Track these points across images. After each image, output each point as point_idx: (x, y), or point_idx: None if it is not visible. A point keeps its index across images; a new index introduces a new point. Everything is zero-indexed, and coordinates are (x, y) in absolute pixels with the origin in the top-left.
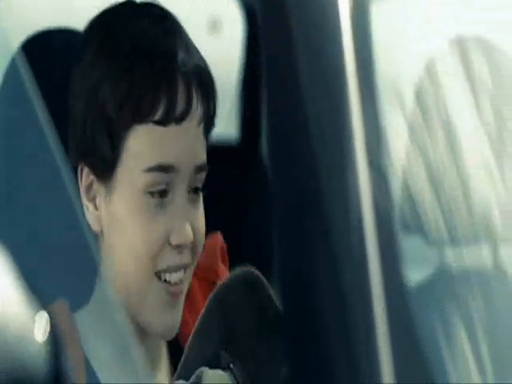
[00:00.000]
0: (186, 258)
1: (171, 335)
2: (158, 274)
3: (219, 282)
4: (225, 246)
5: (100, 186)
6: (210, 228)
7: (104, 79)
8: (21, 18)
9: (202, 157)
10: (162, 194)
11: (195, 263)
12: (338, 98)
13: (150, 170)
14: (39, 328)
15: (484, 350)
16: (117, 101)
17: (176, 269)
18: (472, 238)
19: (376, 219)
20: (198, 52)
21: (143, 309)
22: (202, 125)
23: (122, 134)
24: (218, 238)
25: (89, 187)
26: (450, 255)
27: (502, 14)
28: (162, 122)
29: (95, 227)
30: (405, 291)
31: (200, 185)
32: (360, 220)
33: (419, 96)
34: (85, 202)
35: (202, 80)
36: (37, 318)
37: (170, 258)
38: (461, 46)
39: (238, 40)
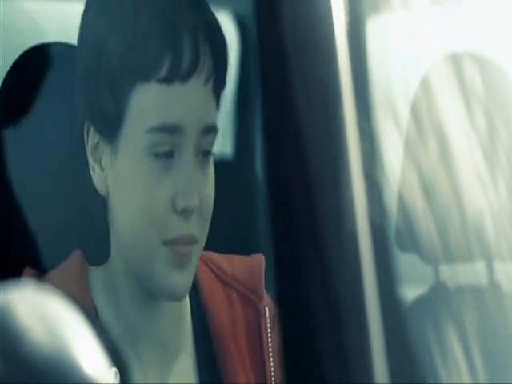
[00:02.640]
0: (193, 227)
1: (180, 296)
2: (165, 245)
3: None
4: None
5: (105, 145)
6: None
7: (109, 31)
8: (15, 35)
9: (210, 117)
10: (168, 155)
11: (204, 239)
12: (332, 111)
13: (154, 130)
14: (110, 380)
15: (479, 365)
16: (120, 53)
17: (184, 241)
18: (467, 254)
19: (371, 235)
20: (210, 10)
21: (151, 273)
22: (211, 83)
23: (125, 92)
24: (262, 259)
25: (95, 147)
26: (445, 272)
27: (495, 29)
28: (167, 79)
29: (102, 189)
30: (400, 308)
31: (210, 148)
32: (355, 236)
33: (413, 109)
34: (91, 162)
35: (212, 37)
36: (107, 373)
37: (177, 227)
38: (454, 60)
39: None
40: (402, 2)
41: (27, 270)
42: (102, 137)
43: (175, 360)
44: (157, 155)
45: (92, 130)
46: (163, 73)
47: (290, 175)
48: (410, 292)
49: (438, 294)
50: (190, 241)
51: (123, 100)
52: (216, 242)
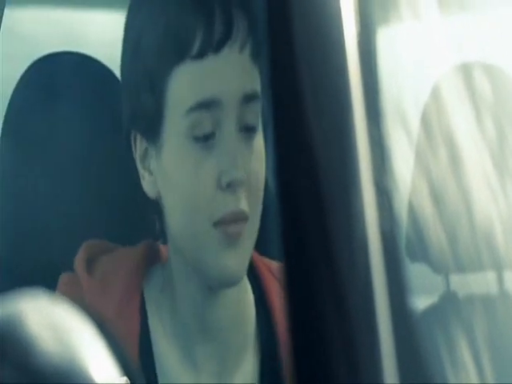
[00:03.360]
0: (242, 203)
1: (236, 280)
2: (215, 227)
3: None
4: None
5: (152, 149)
6: None
7: (144, 28)
8: (23, 45)
9: (250, 85)
10: (208, 136)
11: (257, 219)
12: (343, 121)
13: (192, 110)
14: None
15: (489, 374)
16: (156, 43)
17: (234, 218)
18: (477, 264)
19: (382, 245)
20: None
21: (204, 258)
22: (248, 48)
23: (163, 82)
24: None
25: (143, 155)
26: (456, 282)
27: (504, 38)
28: (200, 54)
29: (152, 193)
30: (411, 318)
31: (254, 121)
32: (365, 245)
33: (424, 118)
34: (141, 171)
35: (245, 3)
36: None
37: (225, 204)
38: (465, 69)
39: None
40: (412, 12)
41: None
42: (148, 141)
43: (236, 366)
44: (197, 138)
45: (139, 137)
46: (195, 48)
47: (300, 185)
48: (421, 302)
49: (449, 303)
50: (240, 217)
51: (161, 91)
52: None
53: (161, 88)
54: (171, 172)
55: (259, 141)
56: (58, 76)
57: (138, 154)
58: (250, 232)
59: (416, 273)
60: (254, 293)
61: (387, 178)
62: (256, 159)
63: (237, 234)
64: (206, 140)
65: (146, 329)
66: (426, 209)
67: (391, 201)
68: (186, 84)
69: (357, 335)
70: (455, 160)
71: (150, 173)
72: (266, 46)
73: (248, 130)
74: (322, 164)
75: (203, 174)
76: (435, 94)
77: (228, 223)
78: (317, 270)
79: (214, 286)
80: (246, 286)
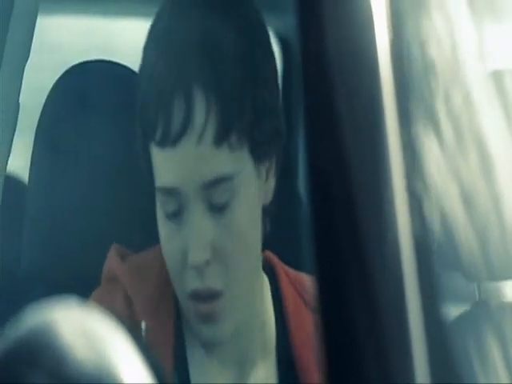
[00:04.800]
0: (210, 280)
1: (219, 344)
2: (189, 300)
3: None
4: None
5: None
6: None
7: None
8: (55, 54)
9: (211, 172)
10: (177, 213)
11: (238, 289)
12: (375, 124)
13: (158, 190)
14: None
15: None
16: (138, 111)
17: (202, 296)
18: (509, 272)
19: (414, 251)
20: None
21: (190, 321)
22: (207, 138)
23: (145, 152)
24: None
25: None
26: (488, 290)
27: None
28: (160, 144)
29: None
30: (443, 325)
31: (224, 199)
32: (398, 252)
33: (455, 122)
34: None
35: (211, 87)
36: None
37: (191, 281)
38: (496, 76)
39: None
40: (443, 16)
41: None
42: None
43: (253, 370)
44: (167, 214)
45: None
46: (157, 137)
47: (332, 190)
48: (453, 309)
49: (481, 311)
50: (208, 295)
51: (148, 157)
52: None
53: (146, 155)
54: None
55: (235, 213)
56: (90, 84)
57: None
58: (230, 305)
59: (448, 280)
60: (272, 299)
61: (419, 182)
62: (231, 234)
63: (209, 311)
64: (174, 216)
65: (180, 335)
66: (458, 214)
67: (422, 206)
68: (154, 165)
69: (389, 341)
70: (486, 165)
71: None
72: (298, 51)
73: (219, 208)
74: (353, 168)
75: (173, 249)
76: (467, 99)
77: (197, 300)
78: (349, 276)
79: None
80: (267, 292)
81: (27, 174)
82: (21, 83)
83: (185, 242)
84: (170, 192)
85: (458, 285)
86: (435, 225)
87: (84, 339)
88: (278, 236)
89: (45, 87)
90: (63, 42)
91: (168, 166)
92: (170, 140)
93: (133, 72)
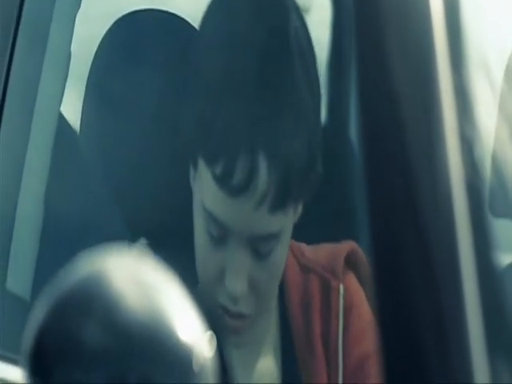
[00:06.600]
0: (242, 307)
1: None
2: (219, 306)
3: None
4: (359, 255)
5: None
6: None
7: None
8: (106, 3)
9: (260, 230)
10: (220, 240)
11: (261, 316)
12: (427, 69)
13: (207, 212)
14: (206, 345)
15: None
16: (193, 128)
17: (232, 315)
18: None
19: (466, 198)
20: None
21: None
22: (266, 204)
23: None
24: (349, 247)
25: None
26: None
27: None
28: (217, 181)
29: None
30: (495, 273)
31: (268, 248)
32: (450, 198)
33: (507, 67)
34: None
35: (273, 156)
36: (202, 337)
37: (225, 300)
38: None
39: (326, 23)
40: None
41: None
42: None
43: (258, 354)
44: (210, 235)
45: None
46: (217, 173)
47: (384, 136)
48: (505, 257)
49: None
50: (238, 316)
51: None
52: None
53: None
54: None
55: (276, 257)
56: (141, 34)
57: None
58: (253, 327)
59: (499, 228)
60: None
61: (470, 126)
62: (269, 273)
63: (236, 327)
64: (217, 240)
65: None
66: (509, 159)
67: (473, 150)
68: (202, 183)
69: (442, 290)
70: None
71: None
72: (350, 10)
73: (262, 254)
74: (405, 114)
75: (211, 266)
76: None
77: (225, 313)
78: (401, 224)
79: None
80: None
81: (78, 123)
82: (72, 32)
83: (224, 265)
84: (221, 225)
85: (510, 232)
86: (487, 170)
87: (136, 287)
88: (330, 183)
89: (96, 36)
90: None
91: (219, 202)
92: (228, 186)
93: (185, 22)
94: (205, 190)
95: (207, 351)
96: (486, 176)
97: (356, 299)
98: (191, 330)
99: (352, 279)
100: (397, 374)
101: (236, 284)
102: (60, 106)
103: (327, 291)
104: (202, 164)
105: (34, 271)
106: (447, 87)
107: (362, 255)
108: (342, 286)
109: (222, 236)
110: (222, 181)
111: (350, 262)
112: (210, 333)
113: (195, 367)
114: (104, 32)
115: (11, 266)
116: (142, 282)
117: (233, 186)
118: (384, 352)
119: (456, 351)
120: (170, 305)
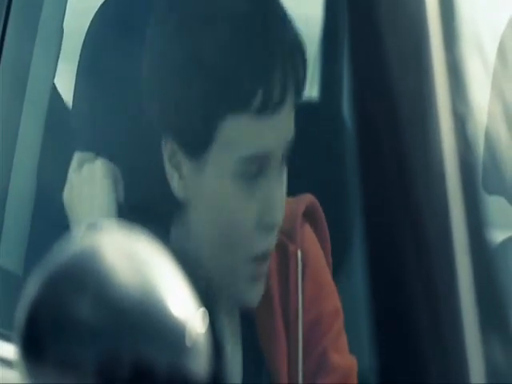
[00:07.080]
0: (273, 243)
1: (256, 303)
2: (251, 263)
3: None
4: (316, 207)
5: (185, 158)
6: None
7: (204, 63)
8: None
9: (291, 133)
10: (254, 176)
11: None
12: (419, 47)
13: (244, 159)
14: (199, 321)
15: None
16: (215, 86)
17: (267, 257)
18: None
19: (459, 175)
20: (296, 33)
21: (233, 285)
22: (294, 109)
23: (216, 121)
24: (306, 199)
25: (172, 155)
26: None
27: None
28: (258, 112)
29: (180, 195)
30: (489, 249)
31: (287, 152)
32: (443, 175)
33: (500, 46)
34: (168, 167)
35: (298, 63)
36: (195, 313)
37: (262, 243)
38: None
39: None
40: None
41: None
42: (182, 150)
43: None
44: (244, 177)
45: (170, 140)
46: (254, 106)
47: (377, 115)
48: (497, 234)
49: None
50: (269, 256)
51: (213, 127)
52: (305, 181)
53: (213, 125)
54: (213, 201)
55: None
56: (134, 8)
57: (166, 152)
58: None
59: (492, 205)
60: None
61: (463, 103)
62: (284, 190)
63: (264, 271)
64: (251, 179)
65: None
66: (501, 136)
67: (466, 127)
68: (242, 135)
69: (435, 266)
70: None
71: (181, 176)
72: None
73: (283, 161)
74: (398, 90)
75: (246, 211)
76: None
77: (260, 261)
78: (394, 200)
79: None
80: None
81: (71, 98)
82: (65, 7)
83: (262, 203)
84: (261, 158)
85: (503, 209)
86: (479, 148)
87: (129, 262)
88: (323, 159)
89: (89, 11)
90: None
91: (265, 133)
92: (270, 108)
93: None
94: (234, 143)
95: (200, 327)
96: (479, 153)
97: (311, 256)
98: (184, 306)
99: (308, 235)
100: (392, 355)
101: (279, 213)
102: (53, 81)
103: (285, 255)
104: (232, 120)
105: (26, 246)
106: (440, 64)
107: (320, 208)
108: (299, 252)
109: (256, 171)
110: (263, 105)
111: (308, 216)
112: (202, 309)
113: (188, 342)
114: (97, 6)
115: (3, 241)
116: (135, 258)
117: (274, 102)
118: (380, 332)
119: (449, 329)
120: (163, 280)
